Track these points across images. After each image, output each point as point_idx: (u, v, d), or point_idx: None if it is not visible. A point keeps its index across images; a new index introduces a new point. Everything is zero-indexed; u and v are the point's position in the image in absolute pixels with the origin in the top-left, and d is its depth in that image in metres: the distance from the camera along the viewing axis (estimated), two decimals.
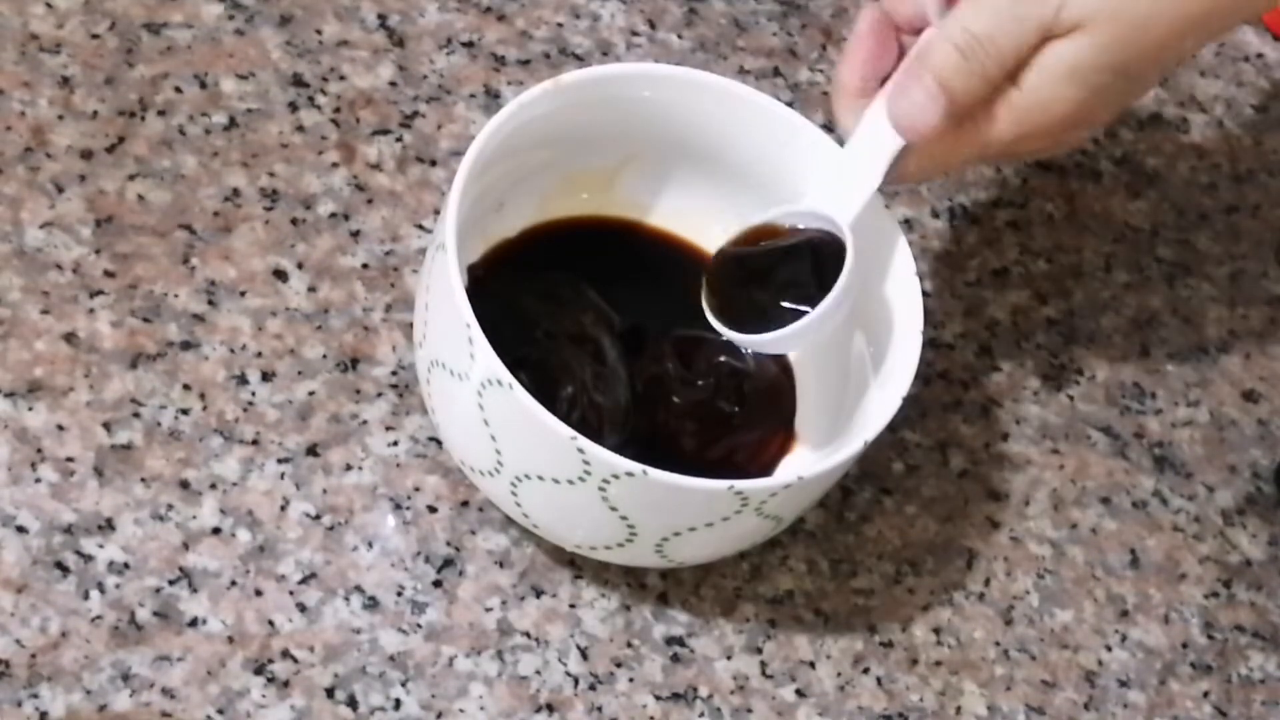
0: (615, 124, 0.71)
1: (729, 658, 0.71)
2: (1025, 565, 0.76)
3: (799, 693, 0.71)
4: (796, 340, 0.66)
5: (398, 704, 0.67)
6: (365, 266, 0.75)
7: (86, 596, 0.66)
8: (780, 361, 0.74)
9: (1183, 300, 0.84)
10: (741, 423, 0.72)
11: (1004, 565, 0.75)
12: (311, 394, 0.72)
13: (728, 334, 0.67)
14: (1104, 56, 0.64)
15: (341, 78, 0.79)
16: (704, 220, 0.75)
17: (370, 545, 0.69)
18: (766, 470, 0.72)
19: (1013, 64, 0.64)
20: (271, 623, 0.67)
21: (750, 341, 0.67)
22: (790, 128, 0.70)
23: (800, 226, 0.67)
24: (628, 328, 0.71)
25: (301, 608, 0.67)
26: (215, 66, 0.78)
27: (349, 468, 0.70)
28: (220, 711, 0.65)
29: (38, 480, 0.67)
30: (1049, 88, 0.64)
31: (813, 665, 0.71)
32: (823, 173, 0.68)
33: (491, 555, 0.70)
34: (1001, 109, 0.65)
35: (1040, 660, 0.74)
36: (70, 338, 0.70)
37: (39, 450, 0.68)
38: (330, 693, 0.66)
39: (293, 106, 0.78)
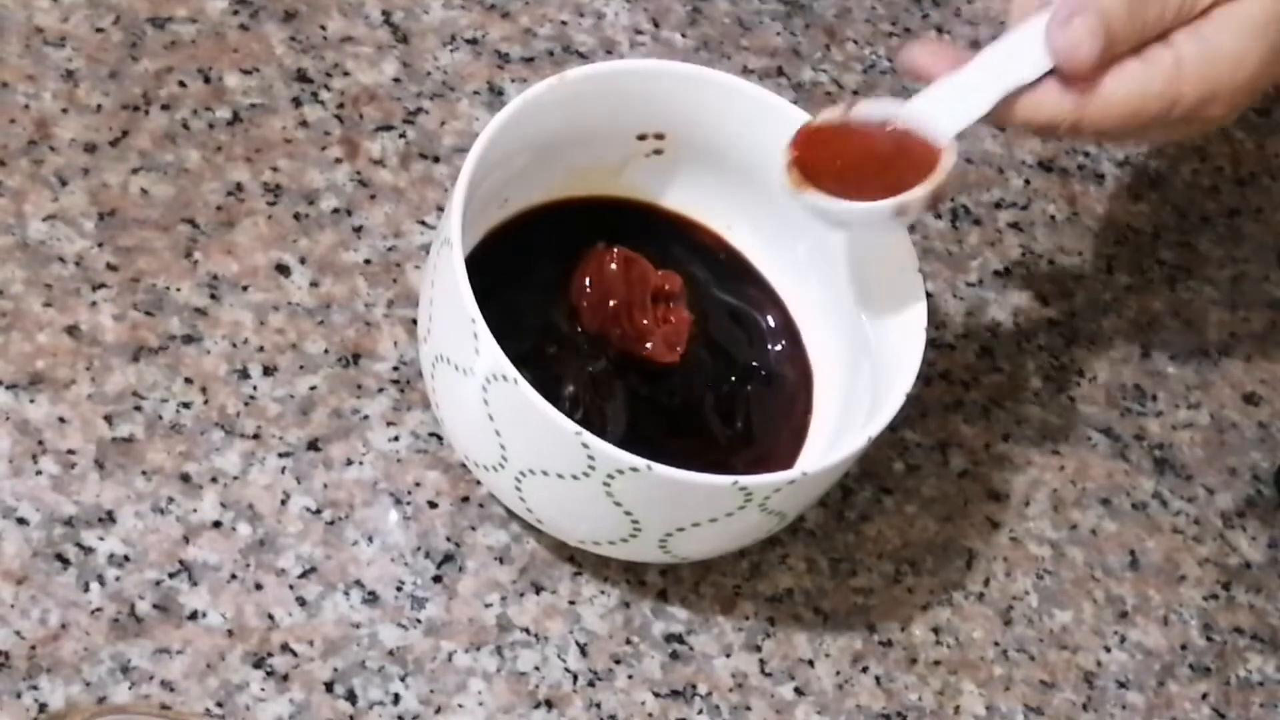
0: (620, 120, 0.71)
1: (728, 655, 0.71)
2: (1025, 565, 0.76)
3: (798, 691, 0.71)
4: (875, 216, 0.64)
5: (396, 699, 0.67)
6: (368, 262, 0.75)
7: (86, 589, 0.66)
8: (798, 360, 0.74)
9: (1184, 302, 0.84)
10: (753, 422, 0.72)
11: (1003, 565, 0.76)
12: (313, 389, 0.72)
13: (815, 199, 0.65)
14: None
15: (345, 74, 0.79)
16: (708, 216, 0.75)
17: (370, 540, 0.69)
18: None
19: (1173, 18, 0.63)
20: (271, 616, 0.67)
21: (833, 209, 0.65)
22: (796, 126, 0.70)
23: (894, 125, 0.65)
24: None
25: (301, 602, 0.68)
26: (219, 61, 0.78)
27: (350, 462, 0.71)
28: (219, 704, 0.65)
29: (39, 472, 0.67)
30: (1234, 41, 0.63)
31: (811, 664, 0.71)
32: (940, 82, 0.65)
33: (491, 551, 0.70)
34: (1189, 65, 0.64)
35: (1039, 661, 0.74)
36: (72, 330, 0.70)
37: (40, 442, 0.68)
38: (329, 687, 0.66)
39: (296, 102, 0.78)
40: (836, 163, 0.65)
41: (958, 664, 0.73)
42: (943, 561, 0.75)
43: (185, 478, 0.69)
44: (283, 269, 0.74)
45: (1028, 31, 0.65)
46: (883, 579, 0.74)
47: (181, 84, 0.77)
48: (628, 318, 0.70)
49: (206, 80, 0.77)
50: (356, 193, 0.76)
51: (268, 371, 0.71)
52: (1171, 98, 0.64)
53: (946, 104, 0.65)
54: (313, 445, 0.70)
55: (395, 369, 0.73)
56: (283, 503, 0.69)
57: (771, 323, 0.74)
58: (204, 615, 0.66)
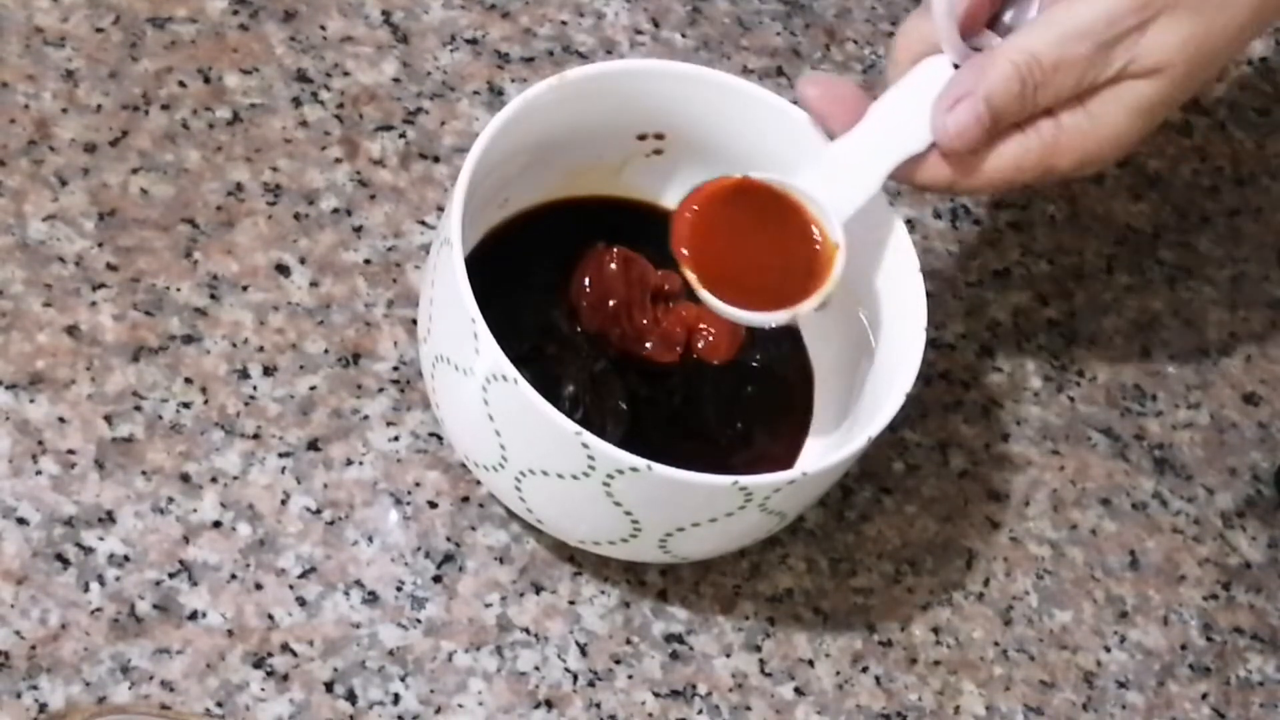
0: (620, 120, 0.71)
1: (728, 655, 0.71)
2: (1025, 565, 0.76)
3: (797, 691, 0.71)
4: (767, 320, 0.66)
5: (396, 699, 0.67)
6: (367, 262, 0.75)
7: (86, 589, 0.66)
8: (798, 360, 0.74)
9: (1184, 302, 0.84)
10: (753, 422, 0.72)
11: (1003, 565, 0.76)
12: (313, 389, 0.72)
13: (711, 302, 0.65)
14: (1177, 93, 0.65)
15: (345, 73, 0.79)
16: None
17: (370, 540, 0.69)
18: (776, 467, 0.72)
19: (1068, 97, 0.64)
20: (271, 616, 0.67)
21: (729, 313, 0.66)
22: (796, 126, 0.70)
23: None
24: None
25: (301, 602, 0.67)
26: (219, 61, 0.78)
27: (350, 462, 0.71)
28: (219, 704, 0.65)
29: (39, 472, 0.67)
30: (1124, 122, 0.65)
31: (811, 664, 0.71)
32: (829, 154, 0.67)
33: (491, 551, 0.70)
34: (1069, 138, 0.65)
35: (1039, 661, 0.74)
36: (72, 330, 0.70)
37: (40, 442, 0.68)
38: (329, 687, 0.66)
39: (296, 102, 0.78)
40: (733, 261, 0.66)
41: (958, 664, 0.73)
42: (943, 561, 0.75)
43: (185, 478, 0.69)
44: (283, 269, 0.74)
45: (913, 100, 0.66)
46: (883, 579, 0.74)
47: (181, 84, 0.77)
48: (628, 318, 0.70)
49: (206, 80, 0.77)
50: (356, 193, 0.76)
51: (268, 371, 0.71)
52: (1047, 167, 0.66)
53: (837, 180, 0.66)
54: (313, 445, 0.70)
55: (395, 369, 0.73)
56: (283, 503, 0.69)
57: None
58: (204, 615, 0.66)
